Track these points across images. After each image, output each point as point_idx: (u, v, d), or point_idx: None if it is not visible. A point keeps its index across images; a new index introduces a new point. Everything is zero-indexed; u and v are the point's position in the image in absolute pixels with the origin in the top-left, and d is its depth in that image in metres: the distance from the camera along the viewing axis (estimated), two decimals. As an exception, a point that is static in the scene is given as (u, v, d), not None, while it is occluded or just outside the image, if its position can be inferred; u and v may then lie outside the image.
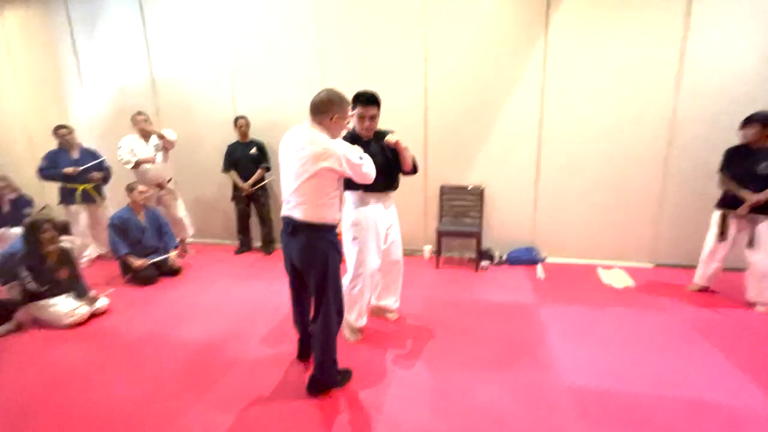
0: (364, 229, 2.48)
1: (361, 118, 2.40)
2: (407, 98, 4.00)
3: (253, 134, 4.40)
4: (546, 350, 2.49)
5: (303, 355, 2.41)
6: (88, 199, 4.14)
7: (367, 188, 2.43)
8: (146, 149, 4.12)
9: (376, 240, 2.51)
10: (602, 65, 3.58)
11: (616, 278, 3.53)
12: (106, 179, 4.22)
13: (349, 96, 2.23)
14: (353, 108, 2.39)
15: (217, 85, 4.48)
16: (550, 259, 4.03)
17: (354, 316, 2.59)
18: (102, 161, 4.17)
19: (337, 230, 2.10)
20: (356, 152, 2.10)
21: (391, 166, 2.52)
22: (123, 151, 4.06)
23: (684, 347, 2.49)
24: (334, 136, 2.04)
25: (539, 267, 3.83)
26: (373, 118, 2.41)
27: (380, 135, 2.51)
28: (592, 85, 3.64)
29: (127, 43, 4.62)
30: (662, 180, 3.67)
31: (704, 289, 3.23)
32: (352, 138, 2.41)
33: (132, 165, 4.04)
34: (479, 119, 3.91)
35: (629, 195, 3.76)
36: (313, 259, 2.00)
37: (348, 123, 2.20)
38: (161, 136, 4.08)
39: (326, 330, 2.06)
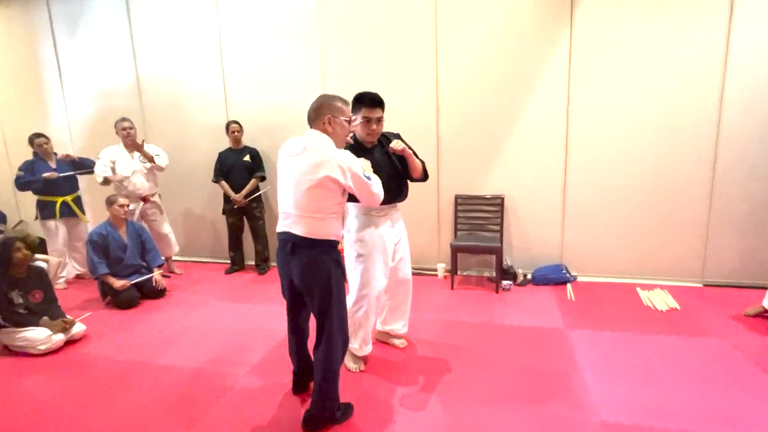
0: (369, 244, 2.50)
1: (367, 122, 2.43)
2: (417, 100, 4.07)
3: (247, 141, 4.49)
4: (576, 382, 2.46)
5: (299, 388, 2.42)
6: (68, 213, 4.25)
7: None
8: (130, 163, 4.21)
9: (382, 257, 2.52)
10: (636, 61, 3.61)
11: (659, 299, 3.49)
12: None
13: (350, 99, 2.29)
14: (356, 111, 2.44)
15: (208, 87, 4.61)
16: (581, 278, 4.00)
17: (357, 343, 2.59)
18: (86, 171, 4.29)
19: (339, 246, 2.13)
20: (363, 167, 2.10)
21: (398, 174, 2.55)
22: (99, 164, 4.18)
23: (737, 380, 2.44)
24: (338, 143, 2.08)
25: (569, 287, 3.81)
26: (380, 121, 2.45)
27: (384, 140, 2.56)
28: (625, 82, 3.66)
29: (112, 41, 4.79)
30: (710, 186, 3.65)
31: (764, 314, 3.16)
32: (354, 146, 2.44)
33: (101, 180, 4.15)
34: (497, 121, 3.95)
35: (672, 203, 3.74)
36: (315, 280, 2.01)
37: (352, 125, 2.24)
38: (150, 159, 4.19)
39: (329, 360, 2.06)
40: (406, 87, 4.05)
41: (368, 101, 2.41)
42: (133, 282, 3.79)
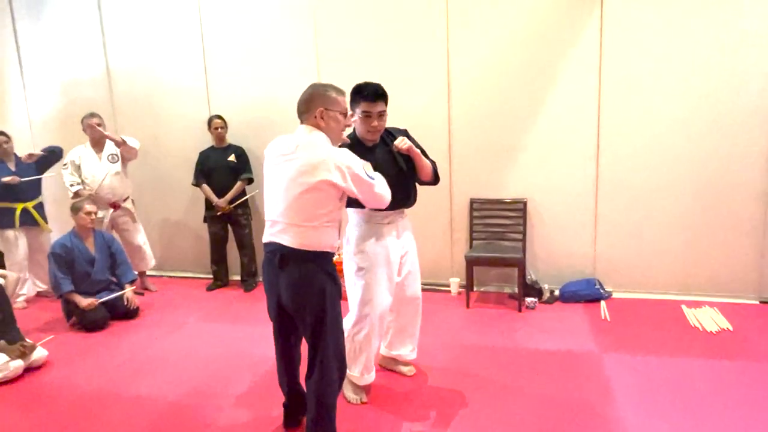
0: (371, 256, 2.49)
1: (366, 117, 2.43)
2: (426, 92, 4.08)
3: (232, 138, 4.52)
4: (611, 416, 2.44)
5: (290, 422, 2.40)
6: (30, 221, 4.28)
7: None
8: (97, 165, 4.25)
9: (387, 271, 2.52)
10: (678, 46, 3.60)
11: (707, 319, 3.47)
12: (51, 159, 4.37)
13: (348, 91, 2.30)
14: (355, 105, 2.45)
15: (188, 78, 4.64)
16: (617, 295, 3.98)
17: (358, 371, 2.58)
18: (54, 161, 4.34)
19: (336, 258, 2.13)
20: (365, 166, 2.11)
21: (405, 177, 2.55)
22: (66, 171, 4.24)
23: (801, 412, 2.41)
24: (333, 140, 2.09)
25: (603, 305, 3.79)
26: (382, 116, 2.46)
27: (389, 138, 2.56)
28: (666, 70, 3.65)
29: (79, 26, 4.84)
30: (765, 187, 3.62)
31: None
32: (353, 145, 2.43)
33: (72, 195, 4.19)
34: (518, 114, 3.95)
35: (723, 208, 3.72)
36: (307, 298, 2.01)
37: (350, 120, 2.24)
38: (121, 143, 4.22)
39: (323, 392, 2.06)
40: (414, 78, 4.06)
41: (368, 93, 2.41)
42: (101, 300, 3.79)
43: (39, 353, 3.18)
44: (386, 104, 2.47)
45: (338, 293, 2.09)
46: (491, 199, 4.11)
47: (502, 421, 2.44)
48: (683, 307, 3.70)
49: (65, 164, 4.28)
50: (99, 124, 4.23)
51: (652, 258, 3.91)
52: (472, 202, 4.13)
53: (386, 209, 2.41)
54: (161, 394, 2.80)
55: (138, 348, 3.42)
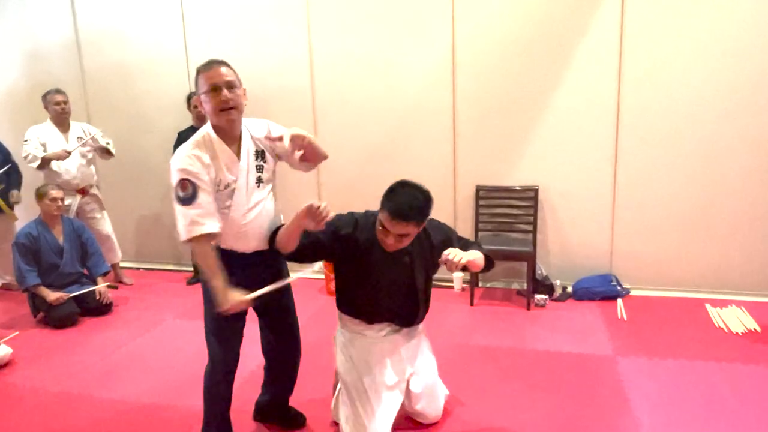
0: (355, 371, 2.26)
1: (382, 228, 2.05)
2: (429, 69, 4.04)
3: (214, 117, 4.48)
4: (626, 422, 2.44)
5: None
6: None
7: (362, 315, 2.27)
8: (64, 146, 4.19)
9: (379, 389, 2.24)
10: (713, 24, 3.54)
11: (733, 319, 3.48)
12: (11, 184, 4.34)
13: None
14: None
15: (166, 49, 4.60)
16: (635, 292, 3.99)
17: None
18: (9, 166, 4.30)
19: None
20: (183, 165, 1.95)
21: (415, 291, 2.26)
22: (30, 145, 4.13)
23: (833, 421, 2.42)
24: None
25: (620, 303, 3.79)
26: (404, 238, 2.06)
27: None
28: (695, 50, 3.61)
29: (44, -7, 4.78)
30: (798, 177, 3.62)
31: None
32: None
33: (38, 163, 4.12)
34: (530, 95, 3.93)
35: (752, 198, 3.71)
36: None
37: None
38: (104, 151, 4.19)
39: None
40: (415, 51, 4.02)
41: (395, 212, 1.98)
42: (71, 295, 3.79)
43: (2, 351, 3.17)
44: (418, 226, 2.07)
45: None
46: (499, 186, 4.09)
47: (506, 425, 2.44)
48: (707, 306, 3.70)
49: (26, 140, 4.17)
50: (64, 102, 4.18)
51: (674, 252, 3.90)
52: (479, 189, 4.12)
53: (376, 321, 2.28)
54: (135, 396, 2.80)
55: (110, 347, 3.41)
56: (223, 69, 1.99)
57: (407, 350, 2.36)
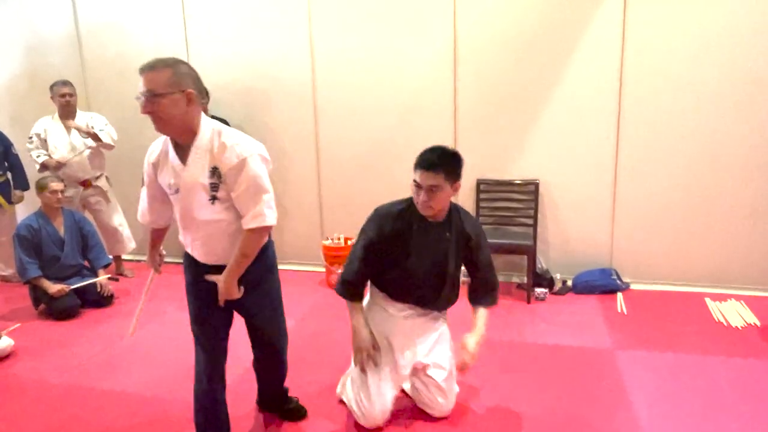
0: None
1: (415, 186, 2.19)
2: (429, 61, 4.03)
3: (215, 109, 4.48)
4: (625, 416, 2.45)
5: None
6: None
7: (391, 290, 2.38)
8: (66, 138, 4.20)
9: (387, 365, 2.36)
10: (718, 17, 3.52)
11: (733, 313, 3.49)
12: (16, 183, 4.36)
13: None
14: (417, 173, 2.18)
15: (165, 38, 4.59)
16: (635, 286, 4.00)
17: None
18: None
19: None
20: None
21: (443, 275, 2.33)
22: (32, 146, 4.19)
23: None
24: None
25: (620, 297, 3.80)
26: (436, 193, 2.14)
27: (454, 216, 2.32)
28: (700, 43, 3.59)
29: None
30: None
31: None
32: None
33: (38, 168, 4.16)
34: (531, 88, 3.92)
35: (754, 193, 3.71)
36: None
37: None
38: (93, 137, 4.18)
39: None
40: (415, 43, 4.01)
41: (424, 163, 2.15)
42: (72, 287, 3.80)
43: (4, 343, 3.19)
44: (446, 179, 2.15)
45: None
46: (500, 180, 4.09)
47: (507, 422, 2.45)
48: (707, 300, 3.71)
49: (30, 138, 4.23)
50: (71, 94, 4.18)
51: (674, 247, 3.91)
52: (479, 183, 4.12)
53: (401, 300, 2.39)
54: (136, 388, 2.82)
55: (112, 338, 3.43)
56: (148, 76, 1.95)
57: (423, 337, 2.43)
